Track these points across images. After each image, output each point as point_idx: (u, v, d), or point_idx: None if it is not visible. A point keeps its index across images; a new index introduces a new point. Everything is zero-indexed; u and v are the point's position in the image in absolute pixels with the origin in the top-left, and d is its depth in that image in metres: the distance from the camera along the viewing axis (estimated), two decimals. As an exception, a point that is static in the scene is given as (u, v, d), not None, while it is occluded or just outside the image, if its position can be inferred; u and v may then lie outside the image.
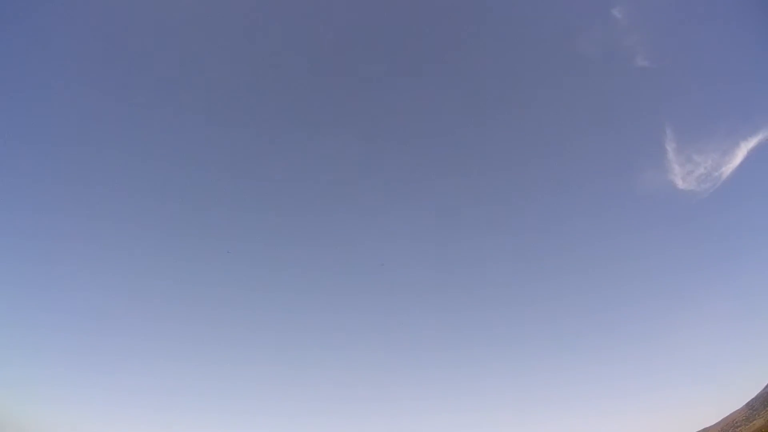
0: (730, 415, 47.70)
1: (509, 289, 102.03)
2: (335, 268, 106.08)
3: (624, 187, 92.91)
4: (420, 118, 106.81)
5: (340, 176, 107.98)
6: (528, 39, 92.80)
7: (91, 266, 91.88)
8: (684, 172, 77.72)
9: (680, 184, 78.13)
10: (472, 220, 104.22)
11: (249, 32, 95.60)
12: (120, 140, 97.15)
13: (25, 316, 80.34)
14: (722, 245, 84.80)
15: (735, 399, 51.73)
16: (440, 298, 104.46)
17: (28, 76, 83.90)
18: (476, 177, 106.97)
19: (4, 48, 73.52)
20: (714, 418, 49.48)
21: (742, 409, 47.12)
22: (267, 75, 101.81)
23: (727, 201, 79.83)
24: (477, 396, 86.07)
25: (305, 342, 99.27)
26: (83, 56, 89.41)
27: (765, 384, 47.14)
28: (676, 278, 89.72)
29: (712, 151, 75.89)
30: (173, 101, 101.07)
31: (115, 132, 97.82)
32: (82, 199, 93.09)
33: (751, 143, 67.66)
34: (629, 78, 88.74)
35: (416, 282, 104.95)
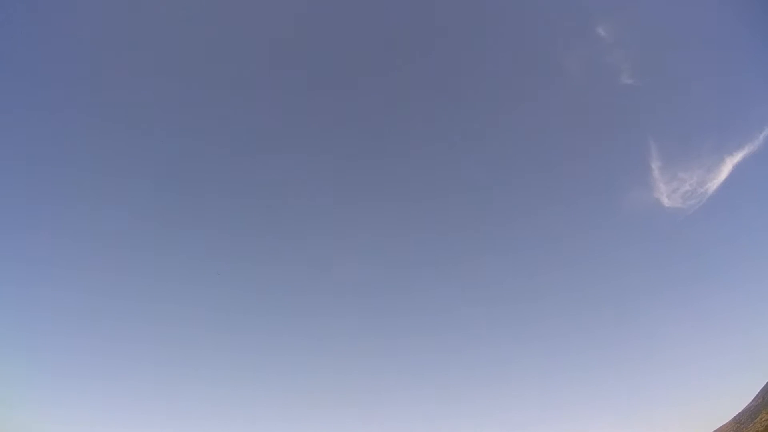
0: (717, 430, 46.86)
1: (496, 308, 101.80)
2: (334, 270, 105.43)
3: (610, 205, 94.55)
4: (403, 137, 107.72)
5: (336, 178, 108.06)
6: (512, 56, 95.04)
7: (88, 266, 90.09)
8: (669, 190, 79.17)
9: (666, 201, 79.41)
10: (464, 235, 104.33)
11: (246, 35, 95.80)
12: (120, 142, 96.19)
13: (22, 320, 78.38)
14: (708, 262, 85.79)
15: (721, 414, 51.03)
16: (439, 303, 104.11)
17: (25, 77, 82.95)
18: (461, 193, 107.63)
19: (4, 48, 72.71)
20: (701, 433, 48.49)
21: (728, 423, 46.32)
22: (258, 82, 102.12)
23: (713, 217, 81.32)
24: (475, 400, 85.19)
25: (305, 344, 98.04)
26: (75, 56, 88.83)
27: (752, 398, 46.51)
28: (662, 297, 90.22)
29: (697, 168, 77.21)
30: (165, 110, 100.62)
31: (117, 135, 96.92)
32: (77, 199, 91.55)
33: (737, 158, 68.73)
34: (613, 96, 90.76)
35: (416, 285, 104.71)
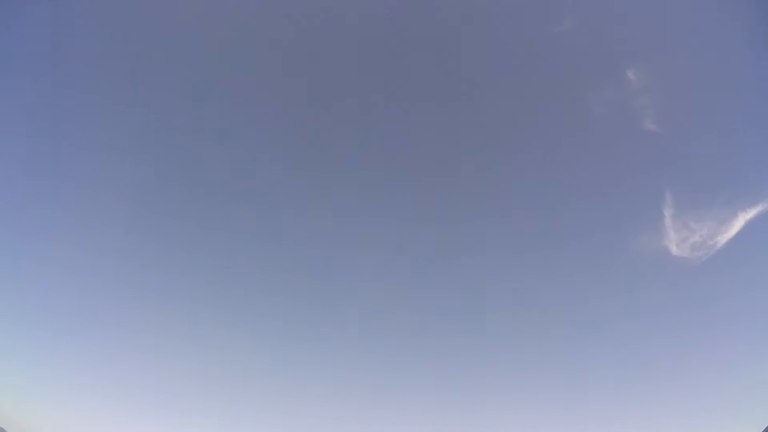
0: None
1: (501, 350, 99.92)
2: (336, 266, 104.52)
3: (618, 246, 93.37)
4: (418, 166, 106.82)
5: (339, 175, 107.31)
6: (536, 91, 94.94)
7: (92, 265, 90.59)
8: (679, 239, 77.87)
9: (674, 250, 78.12)
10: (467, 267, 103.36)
11: (254, 34, 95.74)
12: (122, 141, 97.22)
13: (25, 315, 78.83)
14: (710, 314, 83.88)
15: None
16: (443, 302, 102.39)
17: (27, 74, 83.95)
18: (473, 214, 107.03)
19: (4, 46, 73.52)
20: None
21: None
22: (266, 75, 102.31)
23: (719, 271, 79.30)
24: (483, 404, 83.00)
25: (306, 341, 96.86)
26: (79, 55, 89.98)
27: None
28: (663, 344, 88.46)
29: (709, 220, 75.25)
30: (180, 105, 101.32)
31: (118, 132, 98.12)
32: (82, 198, 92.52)
33: (750, 214, 67.65)
34: (635, 140, 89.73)
35: (419, 283, 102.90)
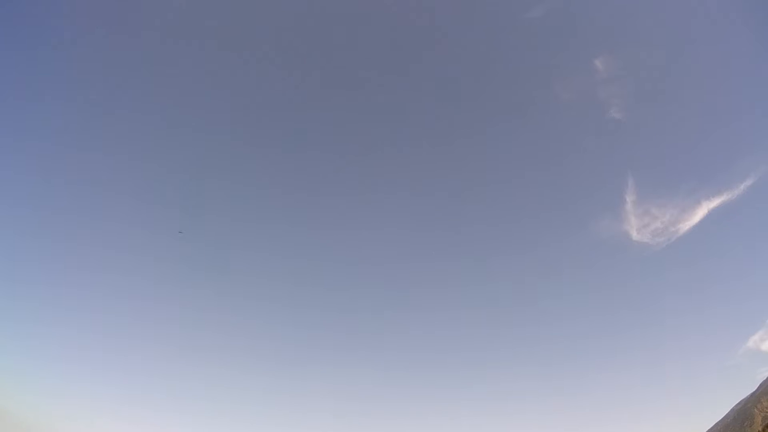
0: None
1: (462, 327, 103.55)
2: (337, 269, 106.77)
3: (579, 229, 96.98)
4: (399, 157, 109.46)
5: (340, 176, 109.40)
6: (506, 74, 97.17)
7: (97, 268, 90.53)
8: (640, 224, 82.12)
9: (634, 235, 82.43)
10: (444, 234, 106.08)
11: (259, 34, 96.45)
12: (124, 143, 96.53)
13: (33, 317, 79.53)
14: (667, 299, 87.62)
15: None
16: (445, 303, 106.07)
17: (29, 75, 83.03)
18: (446, 197, 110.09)
19: (5, 46, 72.70)
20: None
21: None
22: (266, 76, 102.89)
23: (679, 257, 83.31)
24: (482, 399, 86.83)
25: (307, 343, 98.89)
26: (82, 55, 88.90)
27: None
28: (617, 326, 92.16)
29: (671, 207, 78.96)
30: (177, 106, 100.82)
31: (119, 134, 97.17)
32: (87, 200, 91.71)
33: (713, 203, 71.25)
34: (600, 127, 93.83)
35: (420, 283, 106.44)
